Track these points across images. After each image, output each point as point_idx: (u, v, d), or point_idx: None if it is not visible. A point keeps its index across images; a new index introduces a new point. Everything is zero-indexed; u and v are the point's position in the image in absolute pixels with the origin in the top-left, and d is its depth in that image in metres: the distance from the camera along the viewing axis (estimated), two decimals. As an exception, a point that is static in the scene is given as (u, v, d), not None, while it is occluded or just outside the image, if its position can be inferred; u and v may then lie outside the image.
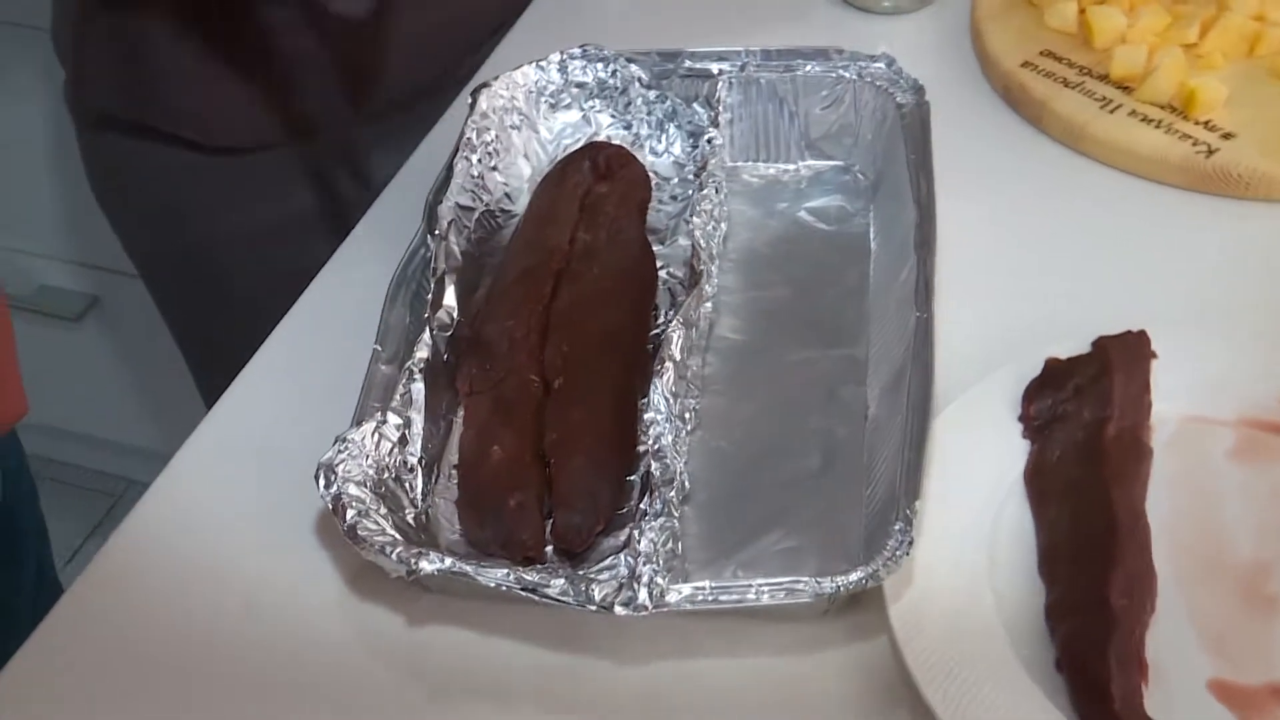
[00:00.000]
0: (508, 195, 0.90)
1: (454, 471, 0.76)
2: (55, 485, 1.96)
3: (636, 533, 0.67)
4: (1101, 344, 0.76)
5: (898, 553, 0.64)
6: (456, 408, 0.79)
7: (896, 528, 0.65)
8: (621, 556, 0.68)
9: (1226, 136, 0.89)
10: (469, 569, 0.65)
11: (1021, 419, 0.74)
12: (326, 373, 0.80)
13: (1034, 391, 0.75)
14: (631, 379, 0.78)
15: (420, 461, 0.75)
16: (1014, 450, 0.74)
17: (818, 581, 0.64)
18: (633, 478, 0.74)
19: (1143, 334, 0.76)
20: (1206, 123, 0.90)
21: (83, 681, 0.69)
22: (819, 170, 0.92)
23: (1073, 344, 0.77)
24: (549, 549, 0.72)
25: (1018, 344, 0.78)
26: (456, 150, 0.86)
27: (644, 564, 0.65)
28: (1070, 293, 0.83)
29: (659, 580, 0.64)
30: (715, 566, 0.71)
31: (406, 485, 0.73)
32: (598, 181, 0.88)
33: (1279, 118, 0.90)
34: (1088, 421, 0.73)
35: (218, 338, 1.14)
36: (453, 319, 0.80)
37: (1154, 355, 0.76)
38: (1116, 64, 0.92)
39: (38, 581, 1.03)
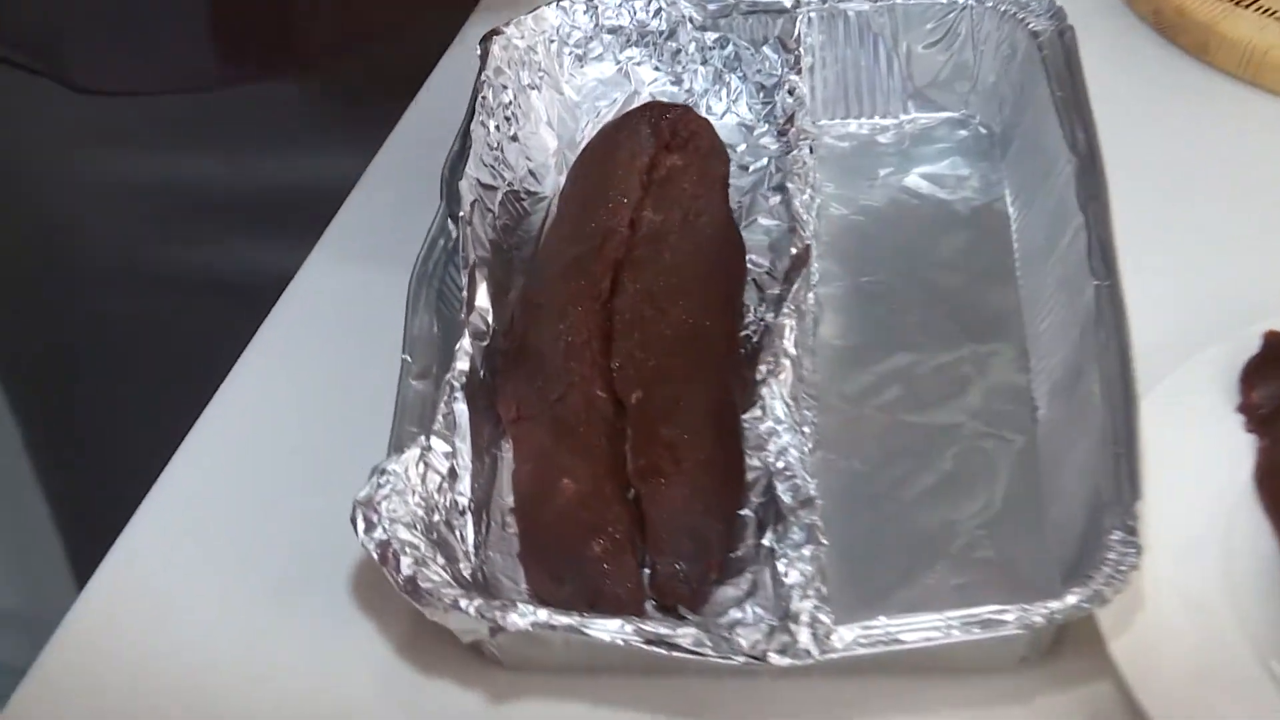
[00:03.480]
0: (531, 173, 0.88)
1: (507, 518, 0.73)
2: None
3: (780, 565, 0.66)
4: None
5: (1121, 568, 0.63)
6: (501, 439, 0.77)
7: (1114, 538, 0.63)
8: (747, 606, 0.67)
9: None
10: (573, 621, 0.63)
11: (1241, 409, 0.73)
12: (314, 395, 0.81)
13: (1254, 373, 0.73)
14: (729, 388, 0.76)
15: (470, 504, 0.73)
16: (1237, 447, 0.72)
17: (1024, 609, 0.63)
18: (745, 511, 0.73)
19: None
20: None
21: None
22: (927, 125, 0.89)
23: (1293, 315, 0.77)
24: (649, 604, 0.71)
25: (1217, 320, 0.77)
26: (472, 113, 0.84)
27: (800, 599, 0.64)
28: (1273, 253, 0.83)
29: (822, 617, 0.63)
30: (866, 613, 0.70)
31: (458, 533, 0.71)
32: (664, 151, 0.84)
33: None
34: (1331, 405, 0.72)
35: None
36: (488, 325, 0.79)
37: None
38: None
39: None
